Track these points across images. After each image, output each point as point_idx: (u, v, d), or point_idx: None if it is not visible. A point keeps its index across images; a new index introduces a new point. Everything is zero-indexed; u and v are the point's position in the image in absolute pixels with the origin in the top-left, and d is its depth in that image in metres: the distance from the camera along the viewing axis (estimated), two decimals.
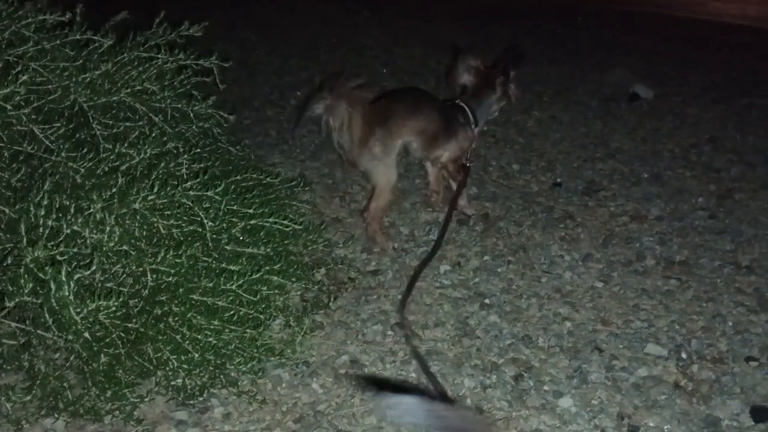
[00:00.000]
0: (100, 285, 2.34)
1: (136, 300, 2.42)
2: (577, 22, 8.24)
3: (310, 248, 3.23)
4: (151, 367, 2.43)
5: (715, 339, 2.90)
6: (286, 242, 3.07)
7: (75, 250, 2.23)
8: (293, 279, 2.92)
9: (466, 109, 3.68)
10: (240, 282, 2.56)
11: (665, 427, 2.43)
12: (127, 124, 2.86)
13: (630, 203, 3.99)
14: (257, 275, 2.69)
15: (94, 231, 2.30)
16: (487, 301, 3.12)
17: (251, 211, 2.87)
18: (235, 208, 2.75)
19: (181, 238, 2.57)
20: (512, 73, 3.73)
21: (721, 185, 4.21)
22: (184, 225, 2.57)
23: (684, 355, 2.80)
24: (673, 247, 3.56)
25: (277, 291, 2.85)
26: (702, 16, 9.43)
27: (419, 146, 3.56)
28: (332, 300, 3.05)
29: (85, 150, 2.55)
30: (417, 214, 3.82)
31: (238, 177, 3.04)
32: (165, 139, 2.89)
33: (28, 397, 2.32)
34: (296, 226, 3.10)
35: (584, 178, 4.28)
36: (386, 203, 3.53)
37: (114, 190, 2.40)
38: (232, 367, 2.54)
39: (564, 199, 4.03)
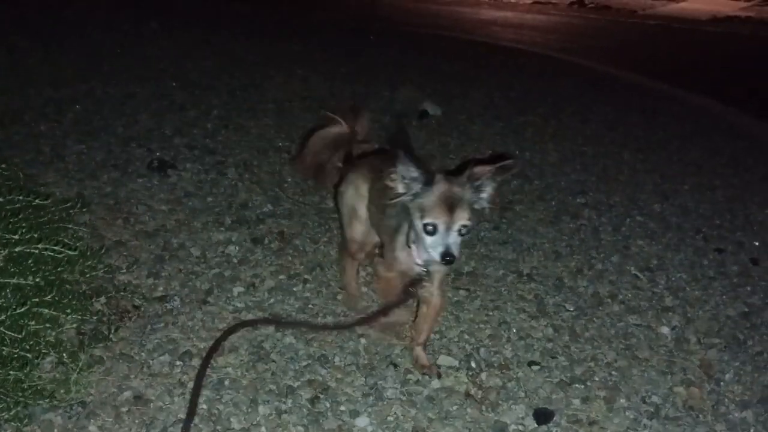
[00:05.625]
0: None
1: None
2: (369, 40, 8.45)
3: (88, 275, 2.98)
4: None
5: (501, 346, 3.04)
6: (59, 270, 2.81)
7: None
8: (68, 311, 2.67)
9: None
10: (2, 317, 2.28)
11: None
12: None
13: None
14: (23, 309, 2.42)
15: None
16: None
17: (17, 236, 2.59)
18: None
19: None
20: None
21: (503, 197, 4.47)
22: None
23: (473, 364, 2.89)
24: (462, 258, 3.70)
25: (48, 325, 2.59)
26: (482, 39, 10.09)
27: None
28: (113, 331, 2.79)
29: None
30: (209, 234, 3.65)
31: (2, 199, 2.73)
32: None
33: None
34: (71, 252, 2.84)
35: None
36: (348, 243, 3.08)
37: None
38: None
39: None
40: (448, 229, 2.39)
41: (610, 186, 4.87)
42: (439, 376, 2.78)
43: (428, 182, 2.42)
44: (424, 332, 2.84)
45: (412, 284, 2.67)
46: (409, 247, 2.61)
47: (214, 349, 2.74)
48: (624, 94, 7.66)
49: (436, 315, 2.84)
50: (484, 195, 2.46)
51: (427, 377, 2.77)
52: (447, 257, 2.39)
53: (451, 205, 2.38)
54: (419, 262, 2.60)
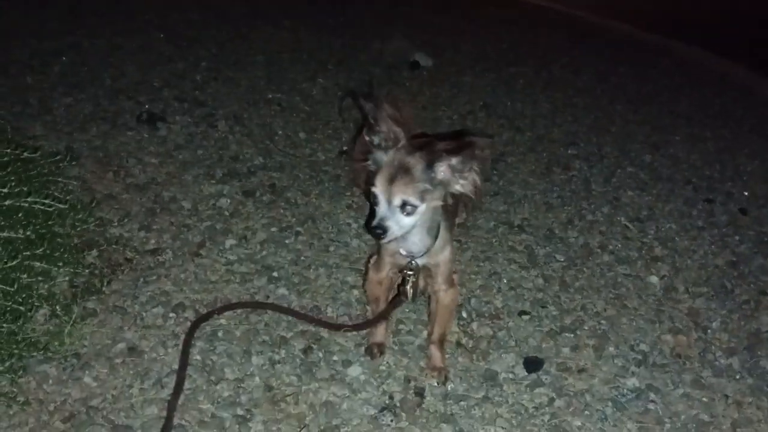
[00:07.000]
0: None
1: None
2: None
3: (79, 229, 2.97)
4: None
5: (492, 296, 3.06)
6: (50, 223, 2.80)
7: None
8: (60, 264, 2.68)
9: None
10: None
11: (449, 386, 2.53)
12: None
13: None
14: (15, 262, 2.42)
15: None
16: (275, 274, 3.05)
17: (6, 190, 2.58)
18: None
19: None
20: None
21: (492, 149, 4.45)
22: None
23: (465, 314, 2.92)
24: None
25: (40, 278, 2.60)
26: None
27: None
28: (106, 284, 2.80)
29: None
30: (200, 187, 3.63)
31: None
32: None
33: None
34: (61, 206, 2.83)
35: None
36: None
37: None
38: None
39: (350, 167, 4.03)
40: (389, 202, 2.11)
41: (602, 137, 4.86)
42: (446, 381, 2.55)
43: (387, 148, 2.15)
44: (437, 330, 2.57)
45: (403, 282, 2.46)
46: None
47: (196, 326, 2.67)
48: (616, 45, 7.58)
49: (448, 311, 2.58)
50: (443, 177, 2.11)
51: (419, 328, 2.79)
52: (377, 229, 2.12)
53: (392, 176, 2.09)
54: (403, 252, 2.38)
